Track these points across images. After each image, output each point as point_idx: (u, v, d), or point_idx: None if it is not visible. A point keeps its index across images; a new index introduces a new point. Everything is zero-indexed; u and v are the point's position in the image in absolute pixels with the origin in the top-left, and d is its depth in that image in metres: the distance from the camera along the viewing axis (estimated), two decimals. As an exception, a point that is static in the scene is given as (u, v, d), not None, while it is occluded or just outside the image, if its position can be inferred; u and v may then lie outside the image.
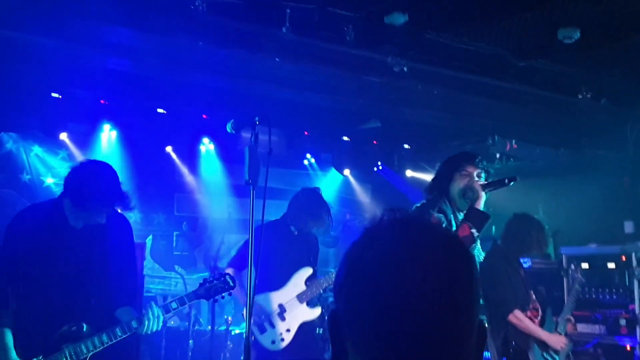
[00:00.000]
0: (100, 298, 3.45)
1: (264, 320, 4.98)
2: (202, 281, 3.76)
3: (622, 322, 5.96)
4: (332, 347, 1.09)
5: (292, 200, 5.34)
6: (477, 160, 4.12)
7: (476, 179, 4.02)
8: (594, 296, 6.25)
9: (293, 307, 5.10)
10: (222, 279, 3.76)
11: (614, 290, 6.14)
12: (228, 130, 3.01)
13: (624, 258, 6.14)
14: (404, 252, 1.02)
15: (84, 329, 3.29)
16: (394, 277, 1.00)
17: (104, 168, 3.36)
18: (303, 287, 5.16)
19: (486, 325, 1.11)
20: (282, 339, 5.02)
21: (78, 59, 4.83)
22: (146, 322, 3.36)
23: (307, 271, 5.23)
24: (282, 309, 5.06)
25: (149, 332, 3.41)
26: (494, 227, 8.26)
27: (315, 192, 5.40)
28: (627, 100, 6.52)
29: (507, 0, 4.38)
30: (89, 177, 3.28)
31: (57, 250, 3.35)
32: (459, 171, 4.04)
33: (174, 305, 3.57)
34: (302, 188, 5.46)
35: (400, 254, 1.02)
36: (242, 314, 5.34)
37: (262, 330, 4.98)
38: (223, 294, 3.76)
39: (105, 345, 3.31)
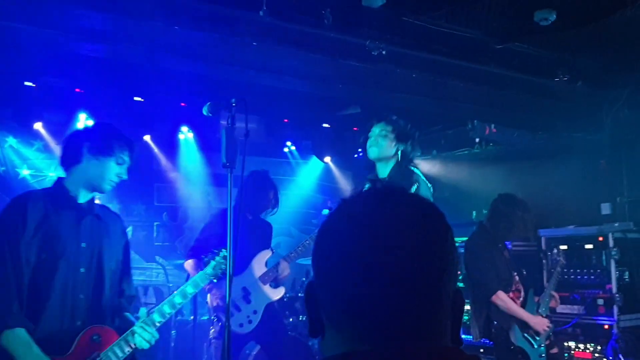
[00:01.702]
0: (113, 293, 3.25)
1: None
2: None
3: (600, 302, 6.02)
4: (309, 318, 1.07)
5: (240, 186, 5.27)
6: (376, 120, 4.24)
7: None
8: (572, 277, 6.31)
9: (257, 289, 5.15)
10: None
11: (591, 270, 6.20)
12: (205, 113, 2.97)
13: (601, 239, 6.20)
14: (376, 220, 1.00)
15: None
16: (364, 245, 0.98)
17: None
18: (264, 269, 5.23)
19: (462, 292, 1.10)
20: (250, 321, 5.06)
21: (51, 46, 4.74)
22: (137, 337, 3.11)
23: (267, 253, 5.31)
24: (246, 292, 5.11)
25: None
26: (474, 212, 8.38)
27: (258, 175, 5.37)
28: (603, 82, 6.57)
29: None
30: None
31: (67, 232, 3.04)
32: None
33: (166, 309, 3.27)
34: (250, 172, 5.42)
35: (371, 221, 1.00)
36: (206, 301, 5.36)
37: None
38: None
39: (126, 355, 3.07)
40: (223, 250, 3.72)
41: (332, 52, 4.95)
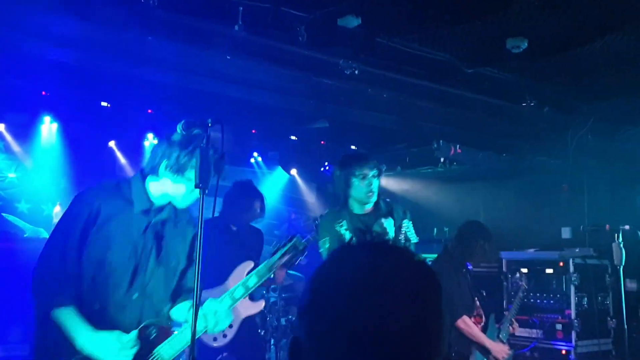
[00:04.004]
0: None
1: None
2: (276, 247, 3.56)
3: (559, 326, 6.12)
4: None
5: (225, 196, 5.25)
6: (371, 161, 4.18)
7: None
8: (532, 301, 6.40)
9: None
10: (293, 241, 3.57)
11: (551, 295, 6.30)
12: (178, 131, 2.91)
13: (561, 264, 6.30)
14: (372, 277, 0.97)
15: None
16: (359, 303, 0.96)
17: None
18: None
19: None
20: (225, 335, 4.96)
21: (17, 48, 4.59)
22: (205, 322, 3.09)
23: (248, 265, 5.15)
24: None
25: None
26: (435, 229, 8.45)
27: (245, 185, 5.34)
28: (569, 109, 6.71)
29: (459, 8, 4.42)
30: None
31: (130, 235, 3.05)
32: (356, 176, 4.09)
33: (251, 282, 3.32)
34: (235, 182, 5.37)
35: (368, 279, 0.97)
36: None
37: None
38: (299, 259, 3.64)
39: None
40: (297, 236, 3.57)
41: (305, 69, 4.93)
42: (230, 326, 4.98)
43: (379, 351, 0.94)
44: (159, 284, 3.15)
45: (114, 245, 3.00)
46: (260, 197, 5.38)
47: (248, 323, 5.13)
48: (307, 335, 1.01)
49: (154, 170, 3.07)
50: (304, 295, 1.04)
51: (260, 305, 5.21)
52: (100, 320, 2.95)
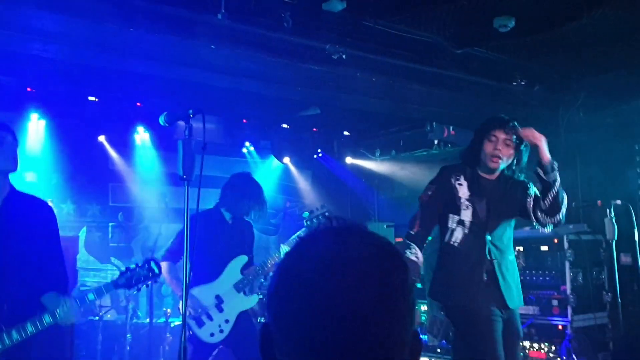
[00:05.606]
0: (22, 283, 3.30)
1: (201, 313, 4.90)
2: (123, 270, 3.49)
3: (555, 302, 6.14)
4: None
5: (226, 187, 5.19)
6: (506, 124, 3.94)
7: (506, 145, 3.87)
8: (527, 278, 6.41)
9: (230, 297, 5.03)
10: (146, 266, 3.49)
11: (546, 272, 6.31)
12: (161, 123, 2.89)
13: (556, 241, 6.31)
14: (337, 261, 1.00)
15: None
16: (325, 286, 0.98)
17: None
18: (239, 276, 5.09)
19: (419, 336, 1.12)
20: (222, 331, 4.96)
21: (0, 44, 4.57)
22: (58, 315, 3.16)
23: (243, 259, 5.15)
24: (219, 300, 4.99)
25: (66, 323, 3.23)
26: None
27: (248, 176, 5.30)
28: (559, 86, 6.69)
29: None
30: None
31: None
32: (487, 137, 3.90)
33: (90, 296, 3.33)
34: (232, 174, 5.32)
35: (333, 263, 1.00)
36: (178, 308, 5.21)
37: (200, 323, 4.91)
38: (147, 283, 3.56)
39: (22, 339, 3.12)
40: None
41: (291, 55, 4.90)
42: (227, 321, 4.98)
43: (344, 333, 0.96)
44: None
45: None
46: (258, 189, 5.30)
47: (244, 317, 5.12)
48: (274, 319, 1.03)
49: None
50: (271, 281, 1.06)
51: (254, 299, 5.21)
52: None
